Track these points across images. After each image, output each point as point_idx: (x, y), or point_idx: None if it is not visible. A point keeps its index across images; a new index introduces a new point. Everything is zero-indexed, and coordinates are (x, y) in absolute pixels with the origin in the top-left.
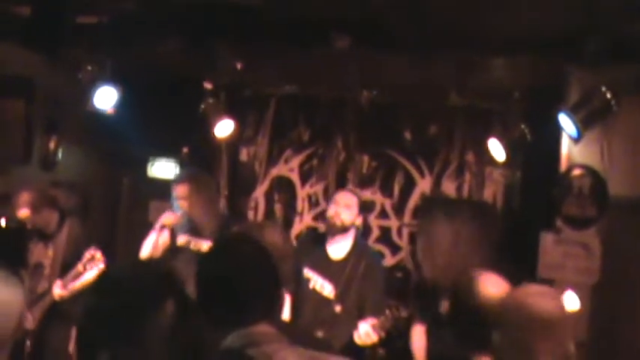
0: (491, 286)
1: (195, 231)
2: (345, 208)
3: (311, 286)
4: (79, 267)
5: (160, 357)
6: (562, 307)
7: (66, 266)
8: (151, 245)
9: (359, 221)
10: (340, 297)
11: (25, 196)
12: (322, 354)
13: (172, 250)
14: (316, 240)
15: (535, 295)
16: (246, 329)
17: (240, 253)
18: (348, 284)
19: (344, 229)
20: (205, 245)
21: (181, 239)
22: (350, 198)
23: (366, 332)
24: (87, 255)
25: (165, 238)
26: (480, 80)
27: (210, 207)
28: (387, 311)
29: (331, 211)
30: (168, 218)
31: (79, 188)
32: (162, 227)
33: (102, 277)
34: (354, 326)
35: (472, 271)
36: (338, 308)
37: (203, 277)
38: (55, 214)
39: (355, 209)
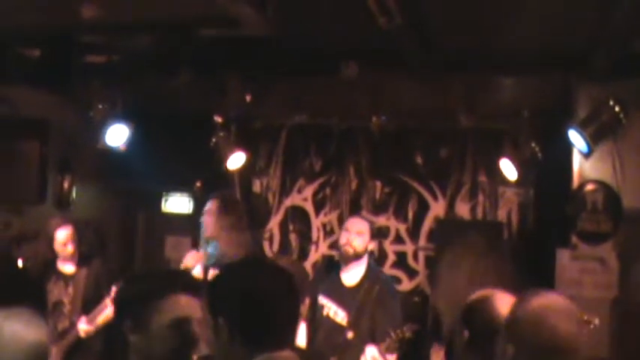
0: (506, 304)
1: (222, 263)
2: (356, 235)
3: (325, 312)
4: (107, 301)
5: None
6: (582, 328)
7: (86, 304)
8: None
9: (372, 246)
10: (353, 323)
11: (58, 218)
12: None
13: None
14: (331, 267)
15: (556, 313)
16: (272, 354)
17: (276, 274)
18: (361, 310)
19: (357, 257)
20: None
21: (211, 274)
22: (361, 225)
23: (372, 356)
24: (114, 289)
25: (197, 274)
26: (489, 101)
27: (233, 236)
28: (392, 333)
29: (343, 239)
30: (189, 260)
31: (94, 226)
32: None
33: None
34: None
35: (485, 292)
36: (350, 334)
37: (242, 294)
38: (75, 252)
39: (367, 235)
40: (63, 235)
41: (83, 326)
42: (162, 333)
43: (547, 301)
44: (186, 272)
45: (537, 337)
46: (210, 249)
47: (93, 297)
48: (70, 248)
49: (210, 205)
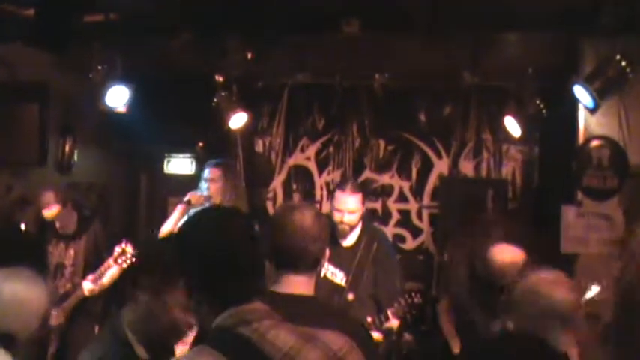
0: (506, 253)
1: None
2: (349, 214)
3: (322, 273)
4: (110, 261)
5: None
6: (577, 298)
7: (88, 265)
8: (173, 222)
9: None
10: (352, 284)
11: (50, 195)
12: (315, 329)
13: None
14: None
15: (549, 284)
16: (238, 307)
17: (238, 226)
18: (360, 271)
19: (353, 228)
20: None
21: None
22: (353, 201)
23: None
24: (117, 249)
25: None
26: (493, 58)
27: (236, 199)
28: (401, 299)
29: (337, 218)
30: (193, 195)
31: (96, 189)
32: (188, 203)
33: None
34: (368, 313)
35: (488, 243)
36: (350, 296)
37: (203, 250)
38: (75, 214)
39: (360, 207)
40: (49, 214)
41: (88, 285)
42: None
43: (543, 276)
44: None
45: (531, 308)
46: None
47: (94, 259)
48: (57, 224)
49: (213, 174)
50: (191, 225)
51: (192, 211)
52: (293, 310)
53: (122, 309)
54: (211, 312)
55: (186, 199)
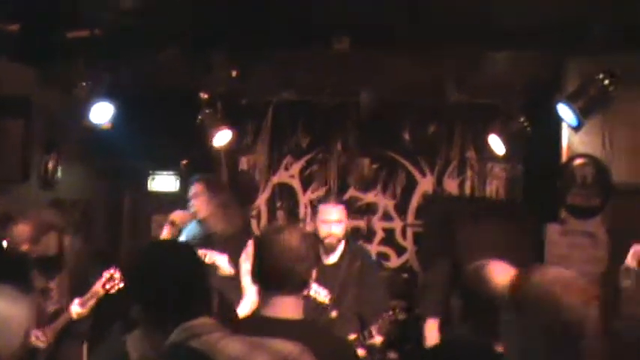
0: (501, 273)
1: (208, 241)
2: (336, 224)
3: (306, 292)
4: (98, 287)
5: None
6: (589, 299)
7: (74, 285)
8: None
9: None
10: (336, 302)
11: (22, 231)
12: (265, 339)
13: None
14: None
15: (562, 286)
16: (187, 323)
17: (178, 254)
18: (343, 289)
19: (339, 242)
20: (222, 259)
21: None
22: (338, 211)
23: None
24: (106, 275)
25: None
26: (479, 76)
27: (224, 213)
28: (385, 315)
29: (324, 231)
30: (177, 214)
31: (80, 205)
32: (172, 223)
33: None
34: (351, 330)
35: (479, 263)
36: (334, 313)
37: (147, 280)
38: (55, 236)
39: (344, 218)
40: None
41: (76, 309)
42: None
43: (553, 274)
44: None
45: (543, 310)
46: (192, 228)
47: (79, 277)
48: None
49: (195, 189)
50: (142, 261)
51: (183, 230)
52: (277, 335)
53: (123, 333)
54: (163, 333)
55: (170, 219)
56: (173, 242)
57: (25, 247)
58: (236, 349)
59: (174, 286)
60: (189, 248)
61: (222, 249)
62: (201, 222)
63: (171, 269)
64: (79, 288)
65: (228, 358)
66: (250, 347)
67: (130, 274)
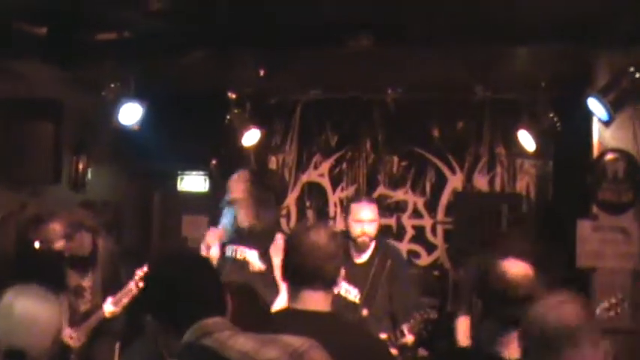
0: (515, 270)
1: (241, 238)
2: (369, 223)
3: (336, 291)
4: (131, 285)
5: None
6: (583, 313)
7: (106, 284)
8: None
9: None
10: (366, 301)
11: (55, 229)
12: (276, 335)
13: (220, 262)
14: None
15: (555, 307)
16: (199, 322)
17: (187, 264)
18: (374, 287)
19: (372, 241)
20: (250, 254)
21: (228, 250)
22: (371, 210)
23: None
24: (138, 273)
25: (215, 253)
26: (505, 72)
27: (259, 210)
28: (417, 314)
29: (357, 231)
30: (210, 237)
31: (110, 206)
32: (208, 248)
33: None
34: (383, 329)
35: (496, 261)
36: (364, 312)
37: (166, 290)
38: (88, 235)
39: (377, 217)
40: (57, 247)
41: (109, 308)
42: None
43: (550, 300)
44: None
45: (542, 331)
46: (225, 220)
47: (111, 277)
48: (66, 254)
49: (233, 183)
50: (160, 268)
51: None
52: (307, 326)
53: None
54: (177, 335)
55: (204, 245)
56: (180, 254)
57: (59, 245)
58: (246, 345)
59: (185, 297)
60: (194, 255)
61: (251, 245)
62: (237, 219)
63: (182, 281)
64: (112, 287)
65: (238, 354)
66: (260, 343)
67: (149, 283)
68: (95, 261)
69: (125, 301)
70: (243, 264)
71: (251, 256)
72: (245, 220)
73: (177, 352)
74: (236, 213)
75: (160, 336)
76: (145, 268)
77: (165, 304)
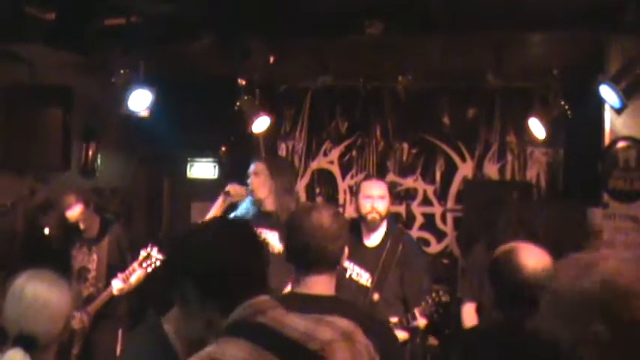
0: (533, 257)
1: (261, 219)
2: (379, 199)
3: (347, 274)
4: (135, 265)
5: None
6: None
7: (111, 270)
8: (214, 213)
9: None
10: (377, 285)
11: (72, 196)
12: (325, 315)
13: None
14: (353, 229)
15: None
16: (249, 301)
17: (239, 232)
18: (385, 271)
19: (382, 220)
20: (272, 236)
21: None
22: (381, 187)
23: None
24: (143, 253)
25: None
26: (516, 59)
27: (282, 196)
28: (428, 297)
29: (367, 206)
30: (234, 186)
31: (119, 193)
32: (227, 193)
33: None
34: (394, 313)
35: (508, 246)
36: (376, 296)
37: (208, 256)
38: (98, 218)
39: (387, 196)
40: (72, 215)
41: (118, 284)
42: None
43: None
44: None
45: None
46: (246, 206)
47: (117, 263)
48: (82, 226)
49: (256, 167)
50: (199, 233)
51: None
52: (311, 311)
53: (160, 314)
54: (220, 312)
55: (226, 189)
56: (232, 219)
57: (76, 211)
58: (302, 324)
59: (236, 264)
60: (248, 225)
61: (272, 226)
62: (255, 201)
63: (233, 246)
64: (117, 273)
65: (297, 332)
66: (315, 322)
67: (187, 249)
68: (102, 244)
69: (133, 279)
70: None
71: (271, 238)
72: (270, 207)
73: (225, 330)
74: (258, 203)
75: (190, 309)
76: (149, 249)
77: (213, 276)
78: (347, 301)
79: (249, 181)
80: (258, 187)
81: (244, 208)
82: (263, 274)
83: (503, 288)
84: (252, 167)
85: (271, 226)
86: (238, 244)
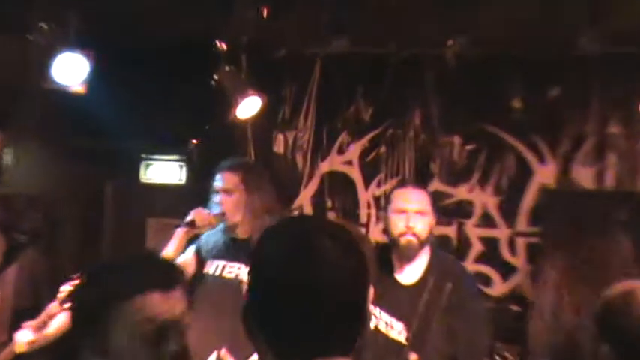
0: None
1: (231, 250)
2: (418, 216)
3: (373, 324)
4: (53, 306)
5: None
6: None
7: (20, 311)
8: (172, 253)
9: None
10: (415, 340)
11: None
12: None
13: (197, 277)
14: (381, 259)
15: None
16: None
17: (325, 253)
18: (427, 321)
19: (422, 246)
20: (245, 272)
21: (211, 266)
22: (420, 198)
23: None
24: (62, 289)
25: (189, 257)
26: (621, 16)
27: (263, 220)
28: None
29: (400, 226)
30: (200, 213)
31: (39, 204)
32: (191, 224)
33: None
34: None
35: (626, 286)
36: (413, 357)
37: (274, 286)
38: (2, 239)
39: (430, 211)
40: None
41: (25, 336)
42: (131, 350)
43: None
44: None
45: None
46: (212, 235)
47: (29, 302)
48: None
49: (227, 180)
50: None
51: (202, 235)
52: None
53: None
54: None
55: (188, 219)
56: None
57: None
58: None
59: (323, 301)
60: (355, 242)
61: (247, 259)
62: (228, 227)
63: (308, 268)
64: (28, 313)
65: None
66: None
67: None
68: (6, 276)
69: (50, 330)
70: (235, 285)
71: (246, 275)
72: (246, 233)
73: None
74: (232, 228)
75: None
76: (74, 282)
77: (273, 314)
78: None
79: (216, 199)
80: (230, 210)
81: (210, 237)
82: (356, 319)
83: (621, 345)
84: (218, 180)
85: (246, 260)
86: (324, 267)
